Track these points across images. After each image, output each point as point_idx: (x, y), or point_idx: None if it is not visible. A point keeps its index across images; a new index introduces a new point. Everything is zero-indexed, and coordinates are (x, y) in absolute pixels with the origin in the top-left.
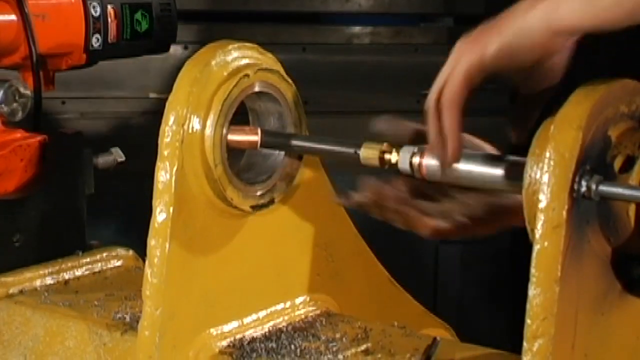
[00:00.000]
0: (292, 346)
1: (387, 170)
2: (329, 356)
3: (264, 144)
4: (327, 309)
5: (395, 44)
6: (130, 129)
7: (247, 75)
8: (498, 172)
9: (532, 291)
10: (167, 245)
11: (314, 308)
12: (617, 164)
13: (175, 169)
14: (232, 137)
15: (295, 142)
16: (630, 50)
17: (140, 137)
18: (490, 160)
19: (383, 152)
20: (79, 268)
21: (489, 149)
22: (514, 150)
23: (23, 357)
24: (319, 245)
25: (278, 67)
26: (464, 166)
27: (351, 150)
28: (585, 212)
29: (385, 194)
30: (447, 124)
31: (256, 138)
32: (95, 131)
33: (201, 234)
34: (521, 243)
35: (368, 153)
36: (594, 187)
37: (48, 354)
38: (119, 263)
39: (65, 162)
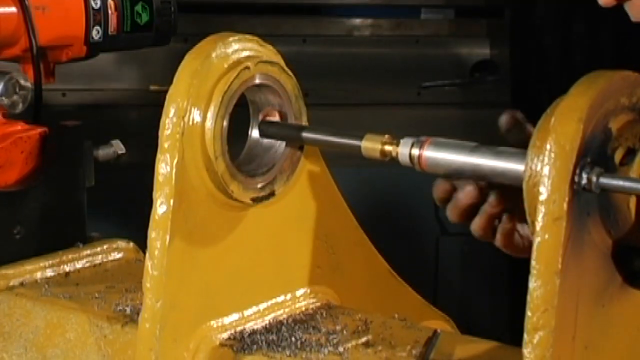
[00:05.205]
0: (293, 338)
1: (388, 163)
2: (330, 348)
3: (264, 134)
4: (327, 301)
5: (395, 36)
6: (131, 121)
7: (247, 68)
8: (499, 164)
9: (532, 283)
10: (168, 238)
11: (314, 300)
12: (618, 156)
13: (175, 161)
14: None
15: (295, 133)
16: (632, 41)
17: (141, 129)
18: (492, 152)
19: (384, 144)
20: (79, 260)
21: None
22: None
23: (23, 349)
24: (319, 237)
25: (278, 59)
26: (465, 159)
27: (352, 142)
28: (586, 204)
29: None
30: None
31: None
32: (95, 123)
33: (202, 226)
34: None
35: (369, 145)
36: (594, 179)
37: (48, 346)
38: (119, 255)
39: (65, 155)
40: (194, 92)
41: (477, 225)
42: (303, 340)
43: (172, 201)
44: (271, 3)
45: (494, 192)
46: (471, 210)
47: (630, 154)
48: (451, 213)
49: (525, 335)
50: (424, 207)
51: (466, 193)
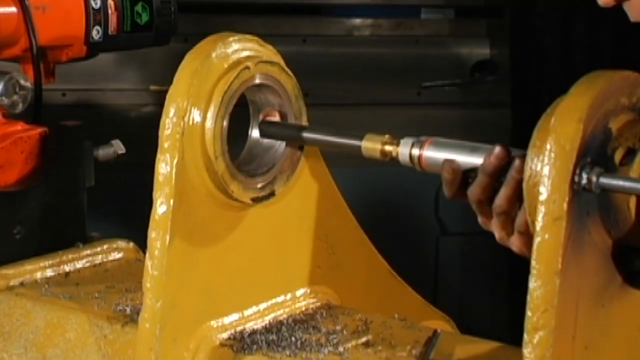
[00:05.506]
0: (293, 338)
1: (388, 163)
2: (330, 348)
3: (264, 134)
4: (327, 301)
5: (395, 36)
6: (131, 121)
7: (247, 68)
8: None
9: (532, 283)
10: (168, 238)
11: (314, 300)
12: (618, 156)
13: (175, 161)
14: None
15: (295, 133)
16: (632, 41)
17: (141, 129)
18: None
19: (384, 144)
20: (79, 260)
21: None
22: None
23: (24, 349)
24: (319, 237)
25: (278, 59)
26: (465, 159)
27: (352, 142)
28: (586, 204)
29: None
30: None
31: None
32: (95, 123)
33: (202, 226)
34: None
35: (369, 145)
36: (594, 179)
37: (48, 346)
38: (119, 255)
39: (65, 154)
40: (194, 92)
41: (503, 196)
42: (303, 340)
43: (172, 201)
44: (271, 3)
45: (517, 157)
46: (493, 185)
47: (630, 154)
48: (474, 189)
49: (525, 335)
50: (424, 207)
51: (496, 154)
